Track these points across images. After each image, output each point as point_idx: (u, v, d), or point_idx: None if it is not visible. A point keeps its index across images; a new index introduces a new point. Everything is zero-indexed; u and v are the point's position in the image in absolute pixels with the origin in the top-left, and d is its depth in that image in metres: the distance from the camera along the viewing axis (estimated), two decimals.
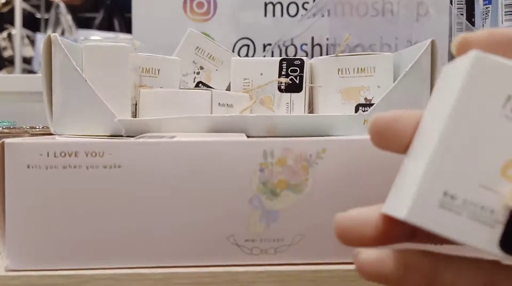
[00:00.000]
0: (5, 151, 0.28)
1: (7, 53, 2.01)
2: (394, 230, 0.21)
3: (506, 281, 0.20)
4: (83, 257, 0.29)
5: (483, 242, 0.18)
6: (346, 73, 0.43)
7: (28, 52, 2.00)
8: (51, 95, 0.38)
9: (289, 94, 0.44)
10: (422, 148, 0.20)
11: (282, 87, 0.45)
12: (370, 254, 0.20)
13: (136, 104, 0.40)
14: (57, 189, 0.28)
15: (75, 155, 0.28)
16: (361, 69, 0.43)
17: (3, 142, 0.28)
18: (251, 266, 0.30)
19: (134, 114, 0.41)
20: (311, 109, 0.46)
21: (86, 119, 0.37)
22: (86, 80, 0.37)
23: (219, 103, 0.39)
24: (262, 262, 0.30)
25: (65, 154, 0.28)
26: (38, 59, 1.89)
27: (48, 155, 0.28)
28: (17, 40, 1.90)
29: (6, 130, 0.38)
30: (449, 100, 0.19)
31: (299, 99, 0.44)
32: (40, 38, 1.94)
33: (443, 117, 0.19)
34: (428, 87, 0.39)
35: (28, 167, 0.28)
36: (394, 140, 0.21)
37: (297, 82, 0.44)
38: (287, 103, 0.45)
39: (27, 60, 1.98)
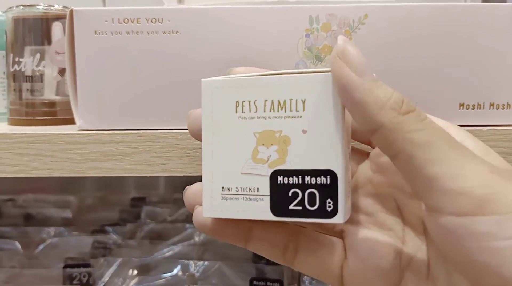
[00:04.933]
0: (74, 18, 0.31)
1: None
2: None
3: (305, 237, 0.26)
4: (148, 117, 0.32)
5: (261, 214, 0.23)
6: None
7: None
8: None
9: None
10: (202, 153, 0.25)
11: None
12: (199, 209, 0.25)
13: None
14: (122, 54, 0.31)
15: (137, 22, 0.31)
16: None
17: (71, 10, 0.31)
18: None
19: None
20: None
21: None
22: None
23: None
24: None
25: (128, 20, 0.31)
26: None
27: (113, 22, 0.31)
28: None
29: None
30: (201, 118, 0.25)
31: None
32: None
33: (202, 131, 0.25)
34: None
35: (95, 33, 0.31)
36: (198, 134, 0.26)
37: None
38: None
39: None
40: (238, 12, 0.31)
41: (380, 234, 0.25)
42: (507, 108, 0.33)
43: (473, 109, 0.32)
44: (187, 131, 0.32)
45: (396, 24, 0.31)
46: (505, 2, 0.47)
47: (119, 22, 0.31)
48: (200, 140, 0.25)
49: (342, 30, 0.31)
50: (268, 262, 0.49)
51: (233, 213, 0.24)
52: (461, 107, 0.32)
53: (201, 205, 0.25)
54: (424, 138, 0.20)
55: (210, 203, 0.24)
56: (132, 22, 0.31)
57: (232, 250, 0.50)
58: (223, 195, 0.24)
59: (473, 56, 0.32)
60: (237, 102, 0.23)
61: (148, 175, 0.31)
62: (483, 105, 0.32)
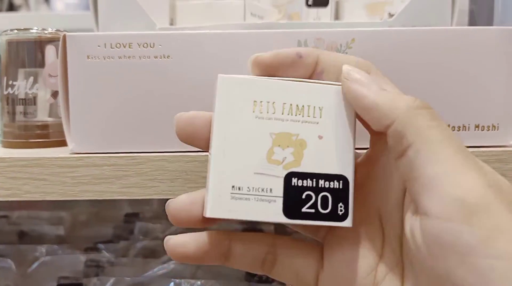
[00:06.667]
0: (67, 43, 0.31)
1: None
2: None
3: (282, 248, 0.26)
4: (140, 140, 0.32)
5: (272, 216, 0.23)
6: None
7: None
8: None
9: (315, 9, 0.47)
10: (210, 152, 0.24)
11: (309, 2, 0.47)
12: (176, 240, 0.25)
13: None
14: (114, 78, 0.32)
15: (129, 46, 0.31)
16: None
17: (64, 35, 0.31)
18: None
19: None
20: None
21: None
22: None
23: (251, 13, 0.42)
24: None
25: (120, 45, 0.31)
26: None
27: (105, 47, 0.31)
28: None
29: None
30: (214, 114, 0.24)
31: (325, 13, 0.47)
32: None
33: (213, 127, 0.24)
34: None
35: (88, 57, 0.31)
36: (194, 136, 0.25)
37: None
38: (313, 19, 0.47)
39: None
40: (229, 37, 0.31)
41: (359, 248, 0.25)
42: (492, 130, 0.33)
43: (459, 130, 0.33)
44: (178, 154, 0.32)
45: (383, 48, 0.32)
46: (491, 25, 0.48)
47: (111, 47, 0.31)
48: (191, 144, 0.26)
49: None
50: (260, 280, 0.49)
51: (242, 214, 0.23)
52: None
53: (188, 222, 0.25)
54: (435, 135, 0.21)
55: (218, 202, 0.23)
56: (124, 46, 0.31)
57: (225, 269, 0.51)
58: (233, 194, 0.23)
59: (459, 78, 0.33)
60: (255, 101, 0.24)
61: (139, 198, 0.32)
62: (468, 126, 0.33)
